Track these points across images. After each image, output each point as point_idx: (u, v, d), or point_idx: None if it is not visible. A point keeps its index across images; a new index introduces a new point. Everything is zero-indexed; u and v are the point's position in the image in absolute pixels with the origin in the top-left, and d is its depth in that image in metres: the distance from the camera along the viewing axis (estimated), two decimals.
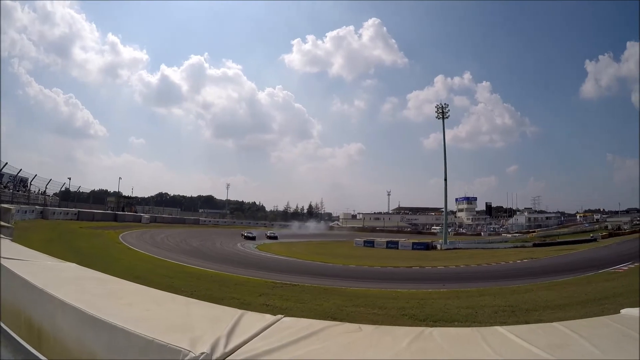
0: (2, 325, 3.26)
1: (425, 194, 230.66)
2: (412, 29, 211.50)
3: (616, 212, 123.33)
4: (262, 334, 2.59)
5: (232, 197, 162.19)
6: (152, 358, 2.38)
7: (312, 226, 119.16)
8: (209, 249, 43.55)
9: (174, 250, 36.63)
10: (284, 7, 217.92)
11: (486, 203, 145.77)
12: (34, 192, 59.37)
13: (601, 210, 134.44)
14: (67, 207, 63.38)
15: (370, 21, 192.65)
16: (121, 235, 44.48)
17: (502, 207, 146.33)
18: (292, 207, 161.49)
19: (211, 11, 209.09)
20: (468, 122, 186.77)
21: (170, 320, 2.76)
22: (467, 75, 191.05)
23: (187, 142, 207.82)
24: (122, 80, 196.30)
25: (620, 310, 3.15)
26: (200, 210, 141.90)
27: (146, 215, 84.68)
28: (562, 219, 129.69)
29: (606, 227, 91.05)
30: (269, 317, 2.93)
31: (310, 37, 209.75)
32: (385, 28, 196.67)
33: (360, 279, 26.38)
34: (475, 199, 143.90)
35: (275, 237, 69.98)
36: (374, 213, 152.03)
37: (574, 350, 2.42)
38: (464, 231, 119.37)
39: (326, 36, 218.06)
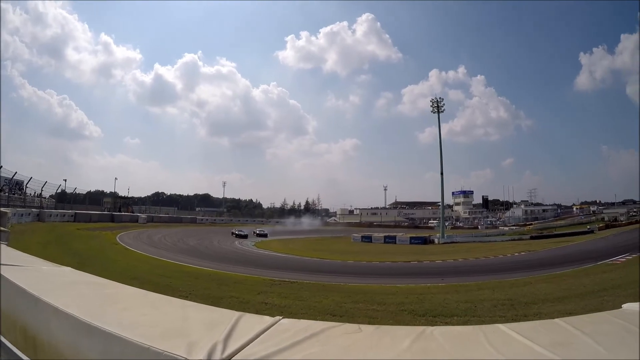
0: None
1: (421, 188, 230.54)
2: (406, 23, 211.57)
3: (612, 204, 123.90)
4: (260, 337, 2.54)
5: (229, 195, 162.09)
6: None
7: (306, 222, 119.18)
8: (206, 247, 43.58)
9: (172, 250, 36.59)
10: (277, 3, 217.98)
11: (483, 196, 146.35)
12: (30, 194, 59.14)
13: (597, 202, 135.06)
14: (63, 209, 63.10)
15: (364, 16, 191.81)
16: (118, 235, 44.43)
17: (498, 200, 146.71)
18: (289, 204, 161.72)
19: (204, 9, 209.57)
20: (463, 115, 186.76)
21: (166, 325, 2.70)
22: (461, 69, 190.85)
23: (182, 141, 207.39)
24: (116, 80, 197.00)
25: (622, 305, 3.11)
26: (197, 209, 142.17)
27: (143, 215, 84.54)
28: (559, 211, 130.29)
29: (602, 218, 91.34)
30: (267, 319, 2.88)
31: (304, 34, 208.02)
32: (379, 23, 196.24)
33: (359, 275, 26.44)
34: (472, 192, 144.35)
35: (264, 235, 68.01)
36: (371, 208, 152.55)
37: (577, 349, 2.37)
38: (461, 225, 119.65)
39: (320, 32, 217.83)
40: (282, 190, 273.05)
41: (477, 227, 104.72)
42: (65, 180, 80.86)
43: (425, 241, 60.43)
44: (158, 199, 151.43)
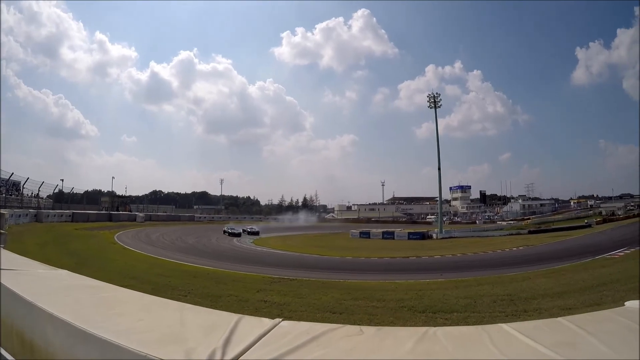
0: None
1: (419, 183, 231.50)
2: (402, 19, 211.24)
3: (610, 198, 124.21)
4: (260, 341, 2.49)
5: (226, 193, 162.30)
6: None
7: (304, 218, 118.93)
8: (204, 245, 43.54)
9: (170, 248, 36.53)
10: None
11: (480, 191, 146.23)
12: (27, 195, 59.05)
13: (595, 196, 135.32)
14: (61, 209, 62.94)
15: (360, 12, 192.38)
16: (116, 235, 44.37)
17: (496, 194, 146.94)
18: (287, 201, 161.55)
19: (199, 6, 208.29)
20: (460, 110, 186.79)
21: (163, 331, 2.65)
22: (457, 64, 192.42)
23: (179, 139, 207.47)
24: (111, 79, 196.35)
25: (625, 303, 3.09)
26: (195, 207, 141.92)
27: (141, 214, 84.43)
28: (556, 205, 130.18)
29: (600, 212, 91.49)
30: (266, 322, 2.83)
31: (299, 30, 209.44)
32: (374, 19, 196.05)
33: (358, 271, 26.42)
34: (470, 187, 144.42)
35: (256, 233, 65.28)
36: (369, 204, 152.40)
37: (582, 349, 2.37)
38: (459, 220, 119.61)
39: (315, 28, 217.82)
40: (280, 187, 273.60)
41: (475, 222, 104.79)
42: (63, 180, 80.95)
43: (424, 236, 60.34)
44: (156, 198, 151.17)
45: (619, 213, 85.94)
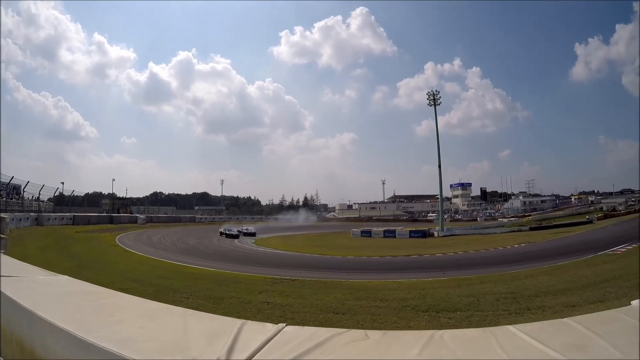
0: None
1: (419, 181, 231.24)
2: (401, 17, 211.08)
3: (610, 194, 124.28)
4: (264, 348, 2.44)
5: (227, 193, 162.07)
6: None
7: (305, 218, 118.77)
8: (205, 246, 43.49)
9: (171, 250, 36.50)
10: None
11: (481, 188, 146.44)
12: (28, 198, 59.03)
13: (595, 192, 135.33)
14: (61, 212, 63.08)
15: (358, 10, 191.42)
16: (117, 237, 44.27)
17: (496, 191, 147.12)
18: (288, 200, 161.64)
19: (197, 6, 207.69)
20: (459, 108, 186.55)
21: (165, 339, 2.59)
22: (456, 62, 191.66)
23: (179, 139, 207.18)
24: (110, 80, 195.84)
25: (631, 302, 3.05)
26: (196, 208, 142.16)
27: (142, 216, 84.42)
28: (557, 201, 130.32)
29: (601, 208, 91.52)
30: (270, 327, 2.78)
31: (298, 29, 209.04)
32: (373, 17, 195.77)
33: (360, 271, 26.46)
34: (470, 184, 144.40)
35: (252, 234, 62.31)
36: (370, 202, 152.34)
37: (591, 351, 2.32)
38: (460, 217, 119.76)
39: (314, 27, 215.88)
40: (281, 187, 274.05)
41: (476, 219, 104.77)
42: (63, 183, 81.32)
43: (425, 234, 60.43)
44: (156, 199, 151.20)
45: (620, 208, 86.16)
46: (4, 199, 49.38)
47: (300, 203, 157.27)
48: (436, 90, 71.95)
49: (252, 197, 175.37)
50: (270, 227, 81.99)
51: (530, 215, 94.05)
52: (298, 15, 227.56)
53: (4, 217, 33.44)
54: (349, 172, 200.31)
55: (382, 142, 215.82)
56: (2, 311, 3.11)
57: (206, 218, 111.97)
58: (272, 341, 2.55)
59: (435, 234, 61.04)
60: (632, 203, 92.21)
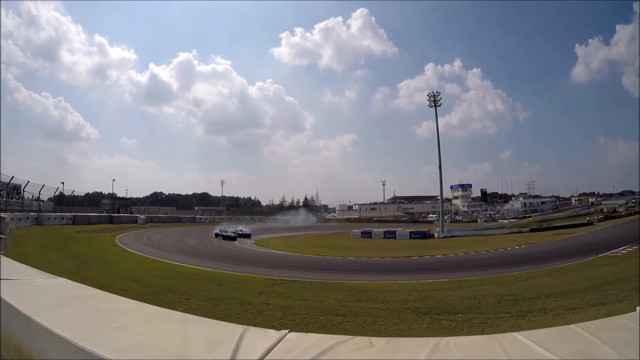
0: None
1: (419, 182, 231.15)
2: (401, 18, 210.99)
3: (610, 195, 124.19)
4: (267, 356, 2.40)
5: (227, 193, 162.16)
6: None
7: (303, 218, 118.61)
8: (205, 247, 43.44)
9: (171, 251, 36.43)
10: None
11: (481, 189, 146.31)
12: (28, 198, 58.98)
13: (596, 193, 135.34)
14: (62, 212, 62.99)
15: (358, 11, 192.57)
16: (117, 237, 44.21)
17: (497, 193, 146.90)
18: (288, 201, 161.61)
19: (198, 7, 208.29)
20: (460, 109, 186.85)
21: (165, 346, 2.54)
22: (457, 63, 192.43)
23: (179, 140, 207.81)
24: (111, 81, 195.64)
25: (636, 308, 3.02)
26: (196, 208, 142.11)
27: (142, 216, 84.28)
28: (558, 203, 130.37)
29: (601, 210, 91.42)
30: (272, 334, 2.73)
31: (298, 30, 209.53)
32: (373, 18, 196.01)
33: (360, 272, 26.41)
34: (470, 185, 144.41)
35: (247, 235, 59.21)
36: (370, 203, 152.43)
37: (597, 359, 2.32)
38: (460, 218, 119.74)
39: (314, 28, 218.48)
40: (281, 188, 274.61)
41: (476, 221, 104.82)
42: (63, 183, 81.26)
43: (425, 235, 60.32)
44: (156, 199, 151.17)
45: (620, 210, 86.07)
46: (4, 198, 49.35)
47: (301, 204, 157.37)
48: (437, 92, 72.02)
49: (253, 198, 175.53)
50: (270, 228, 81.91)
51: (530, 217, 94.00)
52: (298, 17, 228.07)
53: (4, 217, 33.41)
54: (349, 173, 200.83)
55: (382, 143, 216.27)
56: (1, 316, 3.06)
57: (206, 218, 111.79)
58: (275, 348, 2.51)
59: (436, 235, 60.99)
60: (632, 204, 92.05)
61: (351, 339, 2.68)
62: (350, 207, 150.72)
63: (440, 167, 69.88)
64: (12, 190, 54.94)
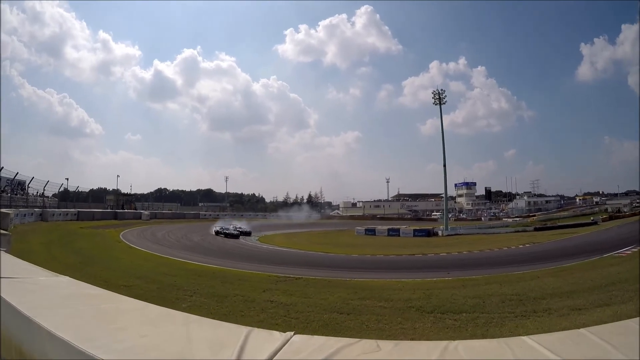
0: None
1: (423, 180, 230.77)
2: (406, 15, 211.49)
3: (615, 195, 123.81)
4: None
5: (231, 190, 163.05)
6: None
7: (307, 215, 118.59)
8: (210, 243, 43.54)
9: (175, 247, 36.42)
10: None
11: (485, 188, 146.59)
12: (32, 194, 59.11)
13: (600, 192, 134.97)
14: (66, 208, 63.13)
15: (363, 8, 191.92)
16: (122, 233, 44.20)
17: (501, 191, 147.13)
18: (292, 198, 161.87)
19: (202, 3, 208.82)
20: (464, 107, 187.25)
21: (167, 349, 2.48)
22: (462, 61, 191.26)
23: (183, 137, 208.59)
24: (115, 78, 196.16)
25: None
26: (200, 204, 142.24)
27: (146, 212, 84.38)
28: (562, 202, 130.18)
29: (606, 209, 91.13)
30: (277, 336, 2.68)
31: (303, 27, 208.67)
32: (378, 15, 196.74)
33: (364, 269, 26.37)
34: (475, 184, 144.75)
35: (247, 233, 56.60)
36: (374, 201, 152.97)
37: None
38: (464, 216, 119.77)
39: (319, 25, 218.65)
40: (285, 184, 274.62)
41: (480, 219, 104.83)
42: (68, 179, 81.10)
43: (429, 233, 60.29)
44: (161, 195, 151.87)
45: (625, 210, 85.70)
46: (9, 194, 49.45)
47: (305, 200, 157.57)
48: (442, 89, 72.04)
49: (257, 195, 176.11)
50: (274, 225, 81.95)
51: (534, 216, 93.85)
52: (303, 14, 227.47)
53: (9, 213, 33.61)
54: (354, 170, 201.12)
55: (386, 140, 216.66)
56: (1, 316, 3.01)
57: (210, 215, 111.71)
58: (280, 352, 2.46)
59: (440, 233, 60.85)
60: (637, 204, 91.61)
61: (358, 342, 2.63)
62: (354, 205, 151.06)
63: (444, 165, 69.85)
64: (17, 186, 54.99)
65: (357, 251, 38.23)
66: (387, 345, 2.62)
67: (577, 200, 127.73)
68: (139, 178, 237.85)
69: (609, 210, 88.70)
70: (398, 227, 65.76)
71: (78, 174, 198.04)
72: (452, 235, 59.16)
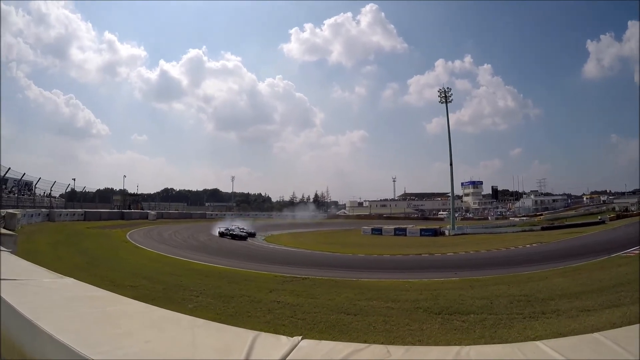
0: None
1: (429, 178, 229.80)
2: (411, 13, 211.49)
3: (622, 193, 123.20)
4: None
5: (237, 189, 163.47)
6: None
7: (313, 214, 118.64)
8: (216, 243, 43.68)
9: (182, 247, 36.46)
10: None
11: (492, 187, 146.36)
12: (40, 195, 59.40)
13: (607, 191, 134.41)
14: (73, 208, 63.39)
15: (368, 7, 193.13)
16: (128, 233, 44.33)
17: (507, 190, 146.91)
18: (298, 197, 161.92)
19: (207, 3, 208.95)
20: (470, 105, 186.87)
21: (171, 355, 2.41)
22: (467, 59, 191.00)
23: (189, 136, 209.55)
24: (121, 78, 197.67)
25: None
26: (207, 204, 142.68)
27: (153, 212, 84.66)
28: (569, 201, 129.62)
29: (613, 208, 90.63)
30: (285, 341, 2.61)
31: (308, 26, 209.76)
32: (383, 13, 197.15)
33: (371, 269, 26.33)
34: (481, 183, 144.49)
35: (252, 235, 53.74)
36: (380, 200, 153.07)
37: None
38: (470, 216, 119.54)
39: (324, 24, 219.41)
40: (291, 184, 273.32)
41: (487, 218, 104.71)
42: (74, 180, 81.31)
43: (436, 233, 60.28)
44: (167, 195, 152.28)
45: (633, 209, 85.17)
46: (16, 195, 49.65)
47: (311, 200, 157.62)
48: (448, 88, 71.82)
49: (263, 194, 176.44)
50: (280, 224, 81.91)
51: (541, 215, 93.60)
52: (308, 13, 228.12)
53: (16, 214, 33.70)
54: (360, 169, 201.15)
55: (392, 139, 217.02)
56: (3, 319, 2.96)
57: (217, 214, 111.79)
58: (288, 358, 2.39)
59: (446, 232, 60.76)
60: None
61: (367, 347, 2.57)
62: (360, 204, 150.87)
63: (451, 164, 69.50)
64: (24, 186, 55.24)
65: (363, 251, 38.19)
66: (397, 351, 2.55)
67: (584, 199, 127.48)
68: (146, 178, 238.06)
69: (616, 209, 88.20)
70: (405, 226, 65.74)
71: (85, 175, 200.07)
72: (458, 234, 59.07)
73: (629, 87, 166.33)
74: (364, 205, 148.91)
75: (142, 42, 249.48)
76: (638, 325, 2.95)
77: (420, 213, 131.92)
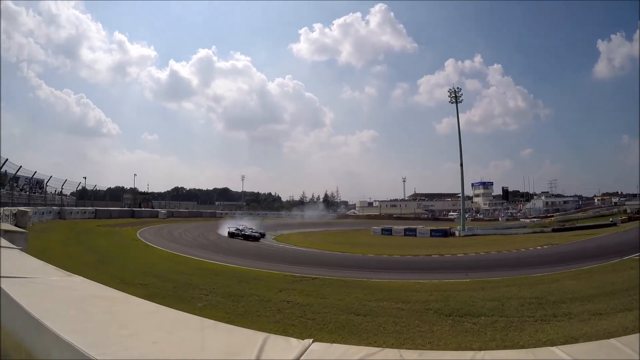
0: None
1: (440, 179, 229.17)
2: (420, 13, 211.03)
3: (634, 195, 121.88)
4: None
5: (247, 189, 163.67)
6: None
7: (323, 214, 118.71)
8: (226, 242, 43.73)
9: (192, 245, 36.54)
10: None
11: (503, 188, 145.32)
12: (51, 193, 59.82)
13: (619, 193, 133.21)
14: (84, 206, 63.80)
15: (377, 7, 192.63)
16: (139, 231, 44.60)
17: (518, 191, 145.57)
18: (308, 197, 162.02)
19: (217, 3, 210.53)
20: (480, 105, 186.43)
21: (179, 357, 2.37)
22: (477, 59, 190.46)
23: (199, 136, 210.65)
24: (131, 78, 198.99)
25: None
26: (217, 203, 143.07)
27: (163, 211, 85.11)
28: (580, 202, 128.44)
29: (625, 210, 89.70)
30: (295, 344, 2.53)
31: (317, 26, 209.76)
32: (392, 13, 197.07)
33: (381, 270, 26.16)
34: (492, 183, 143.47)
35: (263, 235, 51.00)
36: (390, 200, 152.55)
37: None
38: (481, 217, 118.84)
39: (333, 24, 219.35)
40: (301, 183, 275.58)
41: (497, 219, 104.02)
42: (85, 178, 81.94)
43: (446, 234, 59.93)
44: (177, 194, 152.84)
45: None
46: (27, 193, 49.96)
47: (321, 200, 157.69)
48: (458, 88, 71.54)
49: (273, 194, 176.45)
50: (290, 224, 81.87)
51: (552, 216, 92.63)
52: (317, 13, 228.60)
53: (27, 211, 33.92)
54: (370, 169, 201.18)
55: (402, 139, 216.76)
56: (9, 317, 2.92)
57: (227, 213, 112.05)
58: None
59: (457, 233, 60.53)
60: None
61: (379, 351, 2.49)
62: (370, 204, 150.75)
63: (461, 165, 69.28)
64: (35, 184, 55.63)
65: (373, 251, 38.08)
66: (410, 356, 2.47)
67: (596, 200, 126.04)
68: (156, 177, 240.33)
69: (628, 211, 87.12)
70: (415, 227, 65.47)
71: (95, 173, 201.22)
72: (469, 235, 58.82)
73: None
74: (374, 205, 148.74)
75: (152, 42, 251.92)
76: None
77: (430, 213, 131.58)
